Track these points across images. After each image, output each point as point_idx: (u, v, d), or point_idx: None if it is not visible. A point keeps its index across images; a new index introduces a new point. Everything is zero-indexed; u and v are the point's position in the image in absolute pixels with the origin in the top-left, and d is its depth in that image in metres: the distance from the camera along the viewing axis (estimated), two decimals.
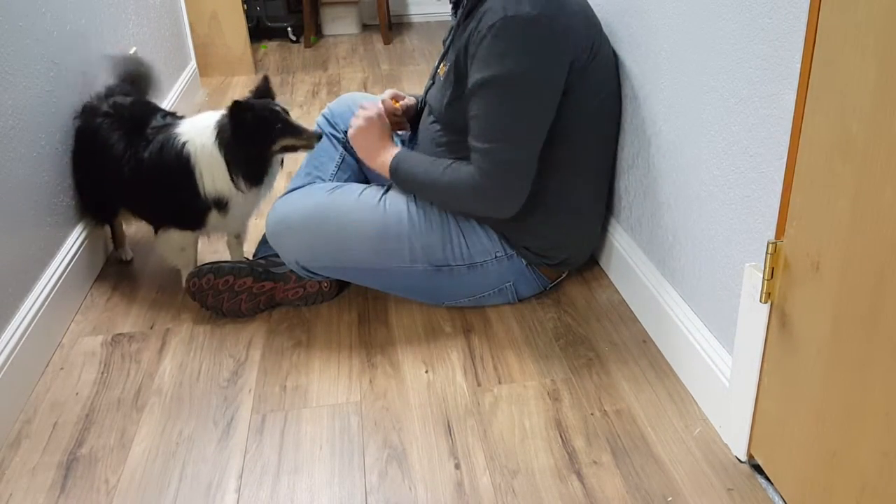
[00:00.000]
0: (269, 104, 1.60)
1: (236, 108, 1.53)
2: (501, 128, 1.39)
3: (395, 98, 1.72)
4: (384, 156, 1.59)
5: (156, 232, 1.74)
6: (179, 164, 1.60)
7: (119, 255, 1.94)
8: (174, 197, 1.65)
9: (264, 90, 1.65)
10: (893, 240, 0.83)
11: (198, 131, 1.62)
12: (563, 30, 1.37)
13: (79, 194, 1.83)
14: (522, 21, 1.33)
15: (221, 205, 1.65)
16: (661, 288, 1.48)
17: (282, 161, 1.73)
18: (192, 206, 1.65)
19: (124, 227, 1.94)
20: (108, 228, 1.93)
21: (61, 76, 1.82)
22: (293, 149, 1.63)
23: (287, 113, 1.62)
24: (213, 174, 1.61)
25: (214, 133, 1.60)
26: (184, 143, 1.61)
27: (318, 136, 1.64)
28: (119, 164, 1.66)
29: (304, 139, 1.62)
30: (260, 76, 1.70)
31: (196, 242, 1.78)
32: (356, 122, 1.61)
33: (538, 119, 1.40)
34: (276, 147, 1.61)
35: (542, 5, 1.34)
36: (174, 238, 1.71)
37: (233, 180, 1.60)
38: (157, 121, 1.71)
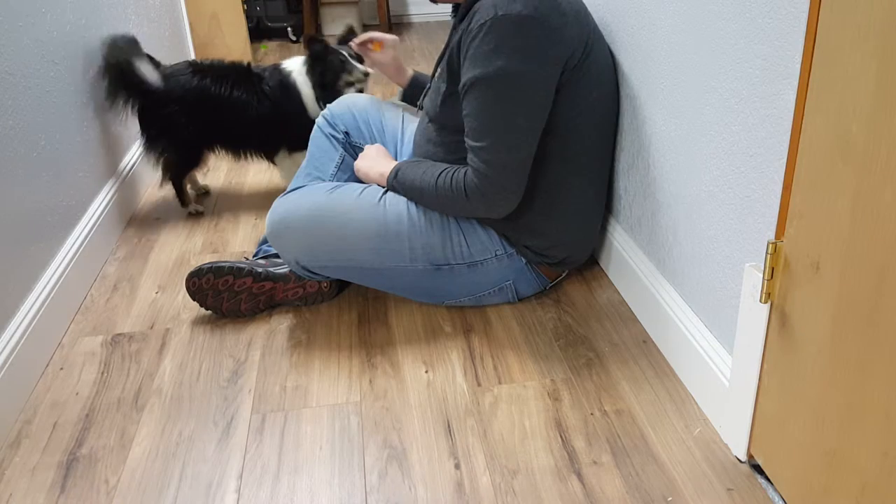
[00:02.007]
0: (335, 48, 2.09)
1: (309, 40, 2.06)
2: (494, 126, 1.39)
3: (375, 42, 1.85)
4: (382, 168, 1.63)
5: (272, 160, 2.22)
6: (292, 91, 2.10)
7: (193, 210, 2.22)
8: (292, 119, 2.11)
9: (347, 36, 2.10)
10: (893, 240, 0.83)
11: (295, 64, 2.13)
12: (556, 29, 1.37)
13: (172, 147, 2.12)
14: (513, 20, 1.33)
15: None
16: (661, 288, 1.48)
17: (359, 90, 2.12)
18: (304, 125, 2.03)
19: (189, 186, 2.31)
20: (175, 188, 2.21)
21: (61, 76, 1.82)
22: (351, 84, 2.10)
23: (350, 54, 2.06)
24: (312, 97, 2.11)
25: (304, 64, 2.11)
26: (289, 73, 2.11)
27: (367, 74, 2.07)
28: (243, 106, 2.09)
29: (354, 78, 2.09)
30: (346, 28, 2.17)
31: None
32: (358, 160, 1.73)
33: (531, 117, 1.40)
34: (341, 83, 2.09)
35: (535, 5, 1.34)
36: (295, 158, 2.18)
37: (318, 101, 2.09)
38: (257, 68, 2.14)
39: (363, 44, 1.85)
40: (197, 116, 2.07)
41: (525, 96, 1.38)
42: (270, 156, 2.21)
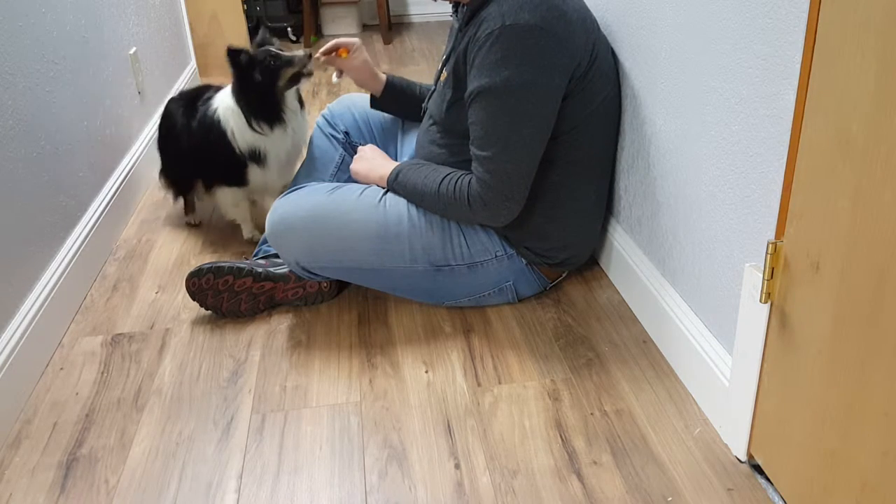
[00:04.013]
0: (260, 49, 1.77)
1: (231, 53, 1.72)
2: (499, 136, 1.39)
3: (341, 48, 1.72)
4: (382, 170, 1.62)
5: (208, 190, 1.96)
6: (214, 128, 1.83)
7: (189, 220, 2.14)
8: (217, 158, 1.86)
9: (262, 40, 1.81)
10: (893, 240, 0.83)
11: (223, 95, 1.85)
12: (563, 39, 1.36)
13: (164, 170, 2.06)
14: (521, 30, 1.33)
15: (258, 157, 1.84)
16: (661, 288, 1.48)
17: (299, 97, 1.88)
18: (233, 164, 1.85)
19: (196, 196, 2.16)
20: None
21: (61, 76, 1.82)
22: (296, 79, 1.79)
23: (279, 50, 1.78)
24: (240, 129, 1.81)
25: (230, 90, 1.81)
26: (215, 109, 1.84)
27: (309, 56, 1.77)
28: (180, 137, 1.92)
29: (298, 64, 1.77)
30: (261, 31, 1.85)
31: (247, 198, 1.98)
32: (353, 162, 1.70)
33: (536, 128, 1.40)
34: (282, 82, 1.77)
35: (542, 15, 1.33)
36: (227, 194, 1.93)
37: (252, 126, 1.79)
38: (209, 94, 1.92)
39: (328, 53, 1.71)
40: (166, 141, 1.99)
41: (531, 107, 1.37)
42: (210, 188, 1.96)
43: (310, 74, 1.80)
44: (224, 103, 1.83)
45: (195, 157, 1.91)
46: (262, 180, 1.90)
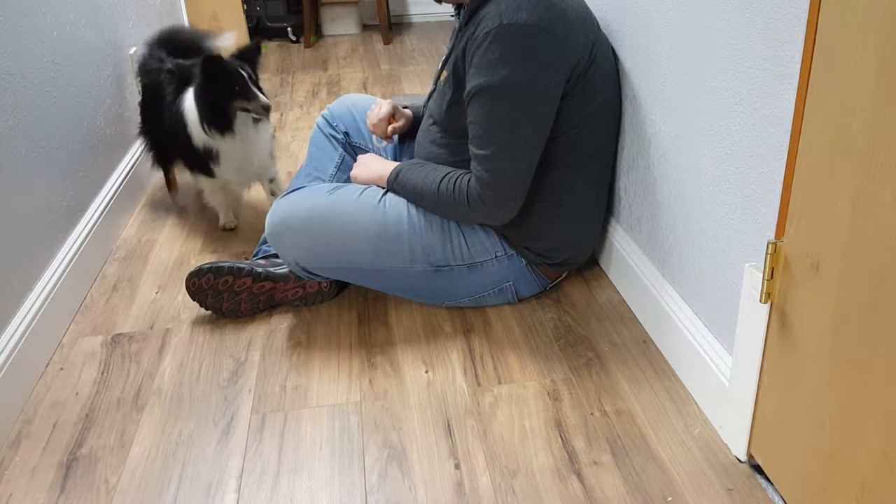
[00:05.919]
0: (236, 66, 1.79)
1: (206, 61, 1.74)
2: (498, 135, 1.39)
3: (392, 117, 1.73)
4: (382, 171, 1.62)
5: (191, 172, 2.02)
6: (180, 117, 1.87)
7: (172, 200, 2.24)
8: (182, 146, 1.91)
9: (250, 53, 1.85)
10: (893, 240, 0.83)
11: (191, 90, 1.86)
12: (562, 38, 1.36)
13: (146, 142, 2.14)
14: (519, 29, 1.33)
15: (212, 155, 1.89)
16: (661, 288, 1.48)
17: (255, 119, 1.89)
18: (193, 155, 1.90)
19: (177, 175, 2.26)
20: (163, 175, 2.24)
21: (61, 76, 1.82)
22: (247, 111, 1.84)
23: (252, 77, 1.82)
24: (196, 126, 1.84)
25: (194, 84, 1.83)
26: (182, 100, 1.87)
27: (267, 108, 1.82)
28: (167, 115, 1.94)
29: (253, 106, 1.81)
30: (254, 41, 1.90)
31: (222, 188, 2.03)
32: (354, 168, 1.70)
33: (535, 127, 1.40)
34: (234, 106, 1.81)
35: (541, 14, 1.33)
36: (204, 182, 2.00)
37: (202, 126, 1.82)
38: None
39: (386, 132, 1.72)
40: (150, 114, 2.06)
41: (530, 106, 1.37)
42: (192, 171, 2.02)
43: (260, 119, 1.86)
44: (188, 98, 1.87)
45: (170, 138, 1.97)
46: (220, 176, 1.96)
